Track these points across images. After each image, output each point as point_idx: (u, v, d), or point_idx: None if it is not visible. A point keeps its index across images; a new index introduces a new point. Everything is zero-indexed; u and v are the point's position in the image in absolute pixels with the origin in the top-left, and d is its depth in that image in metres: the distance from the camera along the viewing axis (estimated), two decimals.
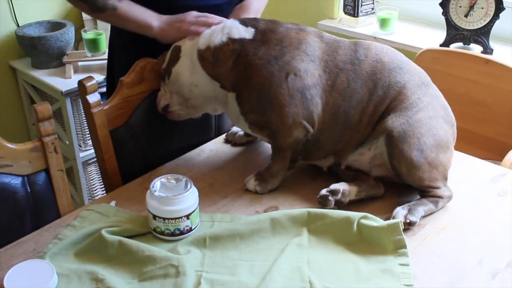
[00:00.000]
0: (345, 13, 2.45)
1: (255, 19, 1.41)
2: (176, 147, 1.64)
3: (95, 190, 2.55)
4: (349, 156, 1.37)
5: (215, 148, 1.63)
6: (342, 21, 2.48)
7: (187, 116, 1.50)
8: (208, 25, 1.43)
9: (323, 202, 1.30)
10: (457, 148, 1.50)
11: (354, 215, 1.22)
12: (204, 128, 1.71)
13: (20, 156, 1.33)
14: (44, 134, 1.35)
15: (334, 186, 1.31)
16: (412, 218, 1.23)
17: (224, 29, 1.38)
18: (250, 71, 1.32)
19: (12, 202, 1.33)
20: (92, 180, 2.53)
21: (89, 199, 2.52)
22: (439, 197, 1.30)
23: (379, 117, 1.31)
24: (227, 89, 1.38)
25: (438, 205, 1.30)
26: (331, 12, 2.56)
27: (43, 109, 1.34)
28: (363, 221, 1.20)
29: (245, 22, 1.39)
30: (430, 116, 1.30)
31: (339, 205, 1.30)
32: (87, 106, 1.47)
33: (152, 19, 1.48)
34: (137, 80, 1.56)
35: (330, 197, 1.29)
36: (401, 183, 1.35)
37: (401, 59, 1.35)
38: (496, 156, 1.74)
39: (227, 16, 1.60)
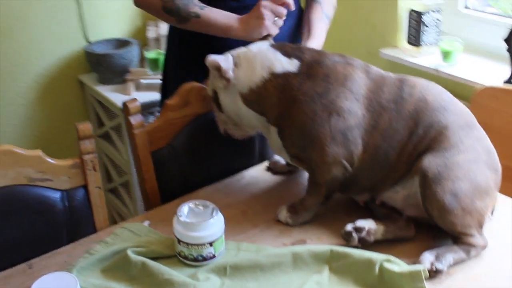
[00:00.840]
0: (408, 42, 2.40)
1: (299, 48, 1.37)
2: (217, 170, 1.65)
3: None
4: (384, 193, 1.34)
5: (255, 175, 1.63)
6: (404, 50, 2.43)
7: (247, 135, 1.51)
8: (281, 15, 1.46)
9: (346, 238, 1.27)
10: (507, 191, 1.43)
11: (378, 257, 1.18)
12: (247, 154, 1.71)
13: (60, 171, 1.39)
14: (84, 152, 1.40)
15: (360, 223, 1.28)
16: (439, 265, 1.18)
17: (264, 62, 1.33)
18: (293, 107, 1.30)
19: (50, 214, 1.39)
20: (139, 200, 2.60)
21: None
22: (472, 245, 1.23)
23: (417, 156, 1.27)
24: (270, 123, 1.36)
25: (470, 254, 1.23)
26: (394, 41, 2.52)
27: (84, 128, 1.39)
28: (386, 264, 1.17)
29: (288, 53, 1.34)
30: (470, 160, 1.24)
31: (363, 243, 1.26)
32: (129, 126, 1.52)
33: (233, 20, 1.50)
34: (182, 103, 1.59)
35: (354, 234, 1.26)
36: (436, 226, 1.30)
37: (445, 99, 1.30)
38: None
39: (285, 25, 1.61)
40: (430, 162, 1.23)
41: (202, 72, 1.58)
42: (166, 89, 1.81)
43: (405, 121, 1.27)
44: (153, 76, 2.47)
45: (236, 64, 1.35)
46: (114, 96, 2.45)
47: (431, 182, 1.22)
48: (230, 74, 1.34)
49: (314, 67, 1.31)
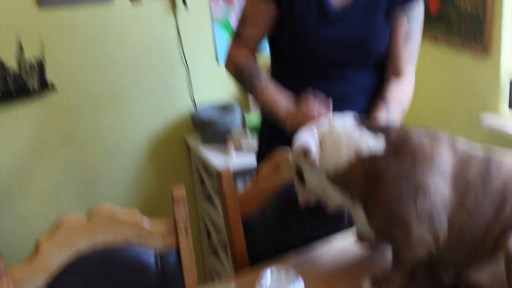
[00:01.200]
0: (510, 107, 2.34)
1: (386, 127, 1.36)
2: (306, 236, 1.68)
3: None
4: (471, 270, 1.30)
5: (343, 247, 1.62)
6: (506, 116, 2.37)
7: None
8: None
9: None
10: None
11: None
12: (336, 220, 1.73)
13: (155, 233, 1.47)
14: (177, 216, 1.48)
15: None
16: None
17: (350, 143, 1.32)
18: (380, 188, 1.28)
19: (144, 276, 1.46)
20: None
21: None
22: None
23: (503, 233, 1.24)
24: (355, 199, 1.35)
25: None
26: (496, 107, 2.46)
27: (178, 194, 1.48)
28: None
29: (374, 130, 1.33)
30: None
31: None
32: (222, 194, 1.60)
33: (283, 112, 1.65)
34: (272, 171, 1.65)
35: None
36: None
37: None
38: None
39: (357, 105, 1.64)
40: None
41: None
42: (260, 155, 1.88)
43: (492, 199, 1.24)
44: (252, 139, 2.57)
45: (321, 144, 1.34)
46: (215, 157, 2.56)
47: None
48: (316, 160, 1.34)
49: (400, 145, 1.29)
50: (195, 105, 2.79)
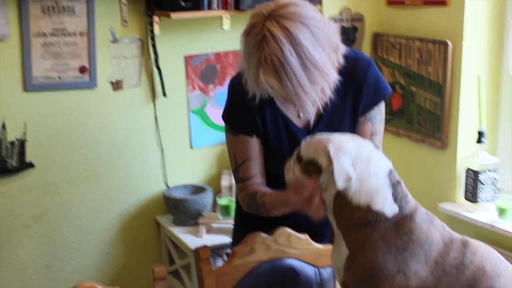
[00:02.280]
0: (465, 198, 2.52)
1: (407, 196, 1.41)
2: None
3: None
4: None
5: None
6: (461, 205, 2.55)
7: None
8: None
9: None
10: None
11: None
12: None
13: None
14: None
15: None
16: None
17: (372, 191, 1.37)
18: (369, 249, 1.36)
19: None
20: None
21: None
22: None
23: None
24: (344, 237, 1.42)
25: None
26: (453, 196, 2.64)
27: (159, 271, 1.58)
28: None
29: (396, 197, 1.39)
30: None
31: None
32: (199, 270, 1.68)
33: (285, 197, 1.62)
34: (248, 251, 1.75)
35: None
36: None
37: (500, 266, 1.38)
38: None
39: None
40: None
41: (267, 227, 1.77)
42: (236, 238, 1.98)
43: (462, 286, 1.34)
44: (223, 221, 2.67)
45: (353, 165, 1.39)
46: (187, 237, 2.65)
47: None
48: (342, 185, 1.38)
49: (405, 220, 1.36)
50: (168, 186, 2.89)
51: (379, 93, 1.74)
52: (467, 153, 2.59)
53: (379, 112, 1.78)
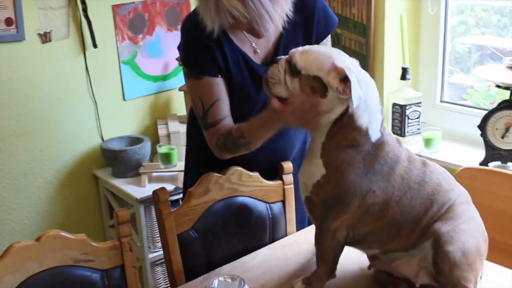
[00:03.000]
0: (393, 132, 2.68)
1: (384, 127, 1.49)
2: (234, 250, 1.85)
3: (160, 287, 2.78)
4: (401, 257, 1.52)
5: (268, 253, 1.82)
6: None
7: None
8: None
9: None
10: (492, 259, 1.65)
11: None
12: (260, 235, 1.92)
13: (101, 253, 1.57)
14: (122, 235, 1.60)
15: None
16: None
17: (372, 113, 1.44)
18: (349, 171, 1.43)
19: None
20: (158, 279, 2.76)
21: None
22: None
23: (428, 226, 1.48)
24: (322, 156, 1.47)
25: None
26: None
27: (123, 214, 1.60)
28: None
29: (382, 121, 1.48)
30: (471, 229, 1.47)
31: None
32: (159, 212, 1.73)
33: (263, 114, 1.62)
34: (203, 191, 1.81)
35: None
36: None
37: (453, 182, 1.54)
38: None
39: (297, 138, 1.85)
40: (441, 228, 1.45)
41: (219, 168, 1.84)
42: (189, 179, 2.02)
43: (423, 200, 1.47)
44: (164, 169, 2.71)
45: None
46: (129, 187, 2.66)
47: (444, 243, 1.43)
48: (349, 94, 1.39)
49: (382, 144, 1.46)
50: (103, 139, 2.87)
51: (329, 22, 1.83)
52: (392, 89, 2.74)
53: (328, 41, 1.88)
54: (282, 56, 1.51)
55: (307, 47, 1.49)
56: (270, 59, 1.71)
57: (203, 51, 1.70)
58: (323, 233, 1.51)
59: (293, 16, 1.67)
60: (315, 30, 1.80)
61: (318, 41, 1.82)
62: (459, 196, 1.52)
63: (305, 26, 1.79)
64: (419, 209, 1.47)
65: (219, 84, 1.74)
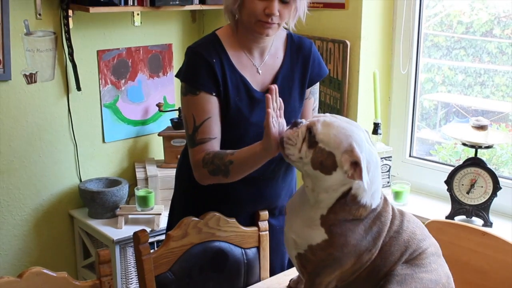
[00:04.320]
0: None
1: (385, 197, 1.56)
2: None
3: None
4: None
5: None
6: None
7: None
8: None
9: None
10: None
11: None
12: (234, 279, 1.97)
13: None
14: (102, 275, 1.64)
15: None
16: None
17: (376, 190, 1.48)
18: (352, 238, 1.47)
19: None
20: None
21: None
22: None
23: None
24: (323, 225, 1.49)
25: None
26: None
27: (105, 254, 1.64)
28: None
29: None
30: (430, 279, 1.54)
31: None
32: (138, 253, 1.78)
33: (257, 149, 1.67)
34: (181, 234, 1.86)
35: None
36: None
37: (426, 232, 1.63)
38: None
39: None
40: (402, 269, 1.53)
41: (203, 212, 1.90)
42: (171, 222, 2.08)
43: (400, 246, 1.54)
44: (141, 212, 2.75)
45: (367, 168, 1.44)
46: (105, 229, 2.70)
47: (395, 282, 1.50)
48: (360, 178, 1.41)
49: (382, 207, 1.52)
50: (81, 180, 2.92)
51: (322, 68, 1.98)
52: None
53: (317, 90, 2.02)
54: (304, 121, 1.52)
55: (329, 118, 1.49)
56: (266, 88, 1.79)
57: (203, 66, 1.80)
58: (315, 287, 1.55)
59: (292, 54, 1.85)
60: (309, 73, 1.94)
61: (310, 84, 1.96)
62: (430, 246, 1.60)
63: (302, 67, 1.93)
64: (396, 254, 1.54)
65: (214, 103, 1.81)
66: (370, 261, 1.53)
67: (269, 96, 1.60)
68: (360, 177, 1.40)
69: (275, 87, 1.62)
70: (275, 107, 1.62)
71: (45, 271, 1.57)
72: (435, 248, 1.62)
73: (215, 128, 1.82)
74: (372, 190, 1.48)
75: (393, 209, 1.59)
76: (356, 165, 1.41)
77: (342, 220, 1.48)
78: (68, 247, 2.97)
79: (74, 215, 2.90)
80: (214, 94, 1.81)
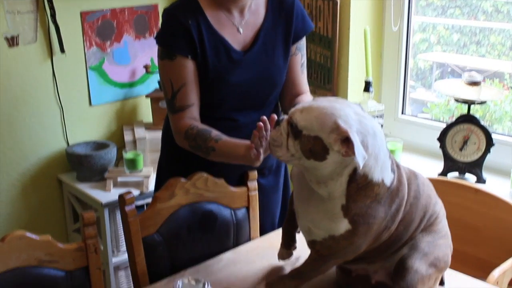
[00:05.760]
0: None
1: (398, 165, 1.45)
2: (199, 254, 1.87)
3: None
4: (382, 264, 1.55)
5: (232, 257, 1.85)
6: None
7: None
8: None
9: None
10: (451, 266, 1.72)
11: None
12: (224, 239, 1.95)
13: (66, 254, 1.58)
14: (87, 237, 1.61)
15: None
16: None
17: (383, 165, 1.36)
18: (374, 223, 1.38)
19: None
20: (121, 284, 2.76)
21: None
22: None
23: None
24: (346, 216, 1.38)
25: None
26: None
27: (89, 216, 1.62)
28: None
29: (392, 163, 1.41)
30: (445, 244, 1.54)
31: None
32: (124, 215, 1.75)
33: (240, 152, 1.64)
34: (169, 196, 1.83)
35: None
36: None
37: (435, 194, 1.58)
38: (486, 274, 1.93)
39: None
40: (423, 238, 1.51)
41: (190, 172, 1.86)
42: (158, 184, 2.05)
43: (419, 212, 1.49)
44: (129, 175, 2.72)
45: (363, 144, 1.32)
46: (94, 192, 2.67)
47: (418, 252, 1.48)
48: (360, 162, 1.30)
49: (397, 183, 1.40)
50: (68, 144, 2.87)
51: (306, 22, 1.93)
52: (356, 101, 2.81)
53: (304, 45, 1.97)
54: (284, 116, 1.42)
55: (307, 103, 1.39)
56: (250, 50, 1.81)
57: (180, 29, 1.76)
58: (328, 265, 1.51)
59: (274, 9, 1.80)
60: (293, 28, 1.89)
61: (295, 40, 1.91)
62: (441, 209, 1.58)
63: (285, 22, 1.88)
64: (417, 221, 1.49)
65: (191, 68, 1.78)
66: (388, 236, 1.46)
67: (261, 125, 1.51)
68: (350, 154, 1.29)
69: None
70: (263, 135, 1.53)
71: (28, 234, 1.54)
72: (443, 211, 1.59)
73: (193, 94, 1.79)
74: (380, 163, 1.35)
75: (408, 173, 1.49)
76: (347, 141, 1.29)
77: (363, 207, 1.36)
78: (58, 211, 2.94)
79: (62, 179, 2.86)
80: (190, 57, 1.77)
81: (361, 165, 1.28)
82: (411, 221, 1.47)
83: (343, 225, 1.38)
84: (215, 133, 1.74)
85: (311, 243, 1.49)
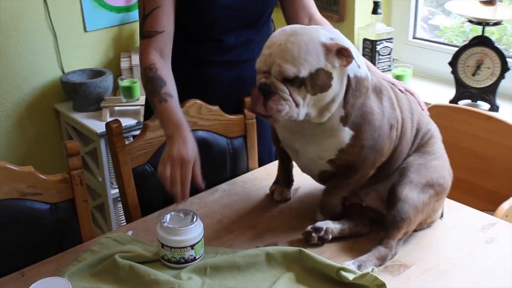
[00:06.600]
0: None
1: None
2: (192, 185, 1.79)
3: (123, 224, 2.73)
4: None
5: (227, 188, 1.77)
6: None
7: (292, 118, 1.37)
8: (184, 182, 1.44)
9: (307, 238, 1.43)
10: (458, 198, 1.63)
11: (335, 265, 1.31)
12: (219, 170, 1.86)
13: (50, 186, 1.51)
14: (72, 168, 1.52)
15: (318, 224, 1.44)
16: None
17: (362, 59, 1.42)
18: (372, 118, 1.39)
19: (39, 226, 1.49)
20: (121, 215, 2.71)
21: None
22: (390, 248, 1.39)
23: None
24: (345, 124, 1.39)
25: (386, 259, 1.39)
26: None
27: (72, 146, 1.52)
28: (342, 272, 1.29)
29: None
30: (441, 166, 1.48)
31: (322, 241, 1.43)
32: (112, 145, 1.66)
33: (169, 129, 1.49)
34: (159, 124, 1.73)
35: (313, 234, 1.42)
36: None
37: (427, 113, 1.55)
38: (495, 207, 1.83)
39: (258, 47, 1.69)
40: (415, 160, 1.46)
41: (183, 99, 1.74)
42: (148, 112, 1.94)
43: (413, 127, 1.48)
44: (126, 103, 2.62)
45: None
46: (90, 122, 2.58)
47: (411, 173, 1.44)
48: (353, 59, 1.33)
49: (378, 87, 1.44)
50: (63, 72, 2.76)
51: None
52: (363, 24, 2.66)
53: None
54: (266, 82, 1.32)
55: (273, 51, 1.31)
56: None
57: None
58: (360, 170, 1.44)
59: None
60: None
61: None
62: (435, 130, 1.52)
63: None
64: (411, 138, 1.47)
65: None
66: (399, 136, 1.44)
67: None
68: (352, 56, 1.31)
69: None
70: None
71: (8, 165, 1.46)
72: (438, 132, 1.54)
73: (164, 20, 1.60)
74: (360, 59, 1.39)
75: (386, 81, 1.50)
76: (340, 52, 1.31)
77: (358, 108, 1.38)
78: (56, 142, 2.87)
79: (59, 109, 2.77)
80: None
81: (361, 65, 1.36)
82: (408, 137, 1.46)
83: (346, 133, 1.39)
84: (165, 90, 1.54)
85: (319, 175, 1.51)
